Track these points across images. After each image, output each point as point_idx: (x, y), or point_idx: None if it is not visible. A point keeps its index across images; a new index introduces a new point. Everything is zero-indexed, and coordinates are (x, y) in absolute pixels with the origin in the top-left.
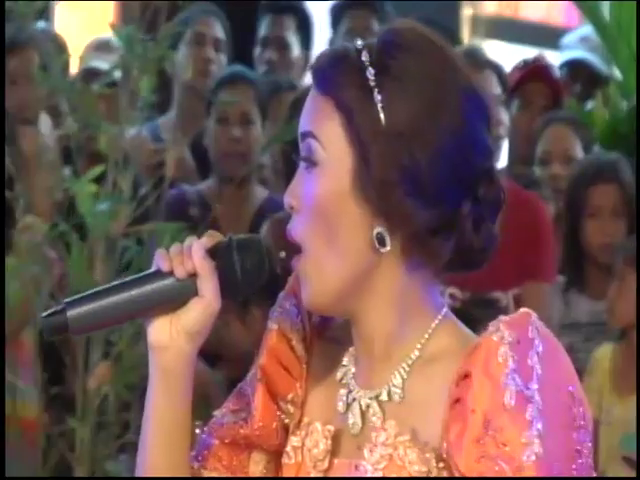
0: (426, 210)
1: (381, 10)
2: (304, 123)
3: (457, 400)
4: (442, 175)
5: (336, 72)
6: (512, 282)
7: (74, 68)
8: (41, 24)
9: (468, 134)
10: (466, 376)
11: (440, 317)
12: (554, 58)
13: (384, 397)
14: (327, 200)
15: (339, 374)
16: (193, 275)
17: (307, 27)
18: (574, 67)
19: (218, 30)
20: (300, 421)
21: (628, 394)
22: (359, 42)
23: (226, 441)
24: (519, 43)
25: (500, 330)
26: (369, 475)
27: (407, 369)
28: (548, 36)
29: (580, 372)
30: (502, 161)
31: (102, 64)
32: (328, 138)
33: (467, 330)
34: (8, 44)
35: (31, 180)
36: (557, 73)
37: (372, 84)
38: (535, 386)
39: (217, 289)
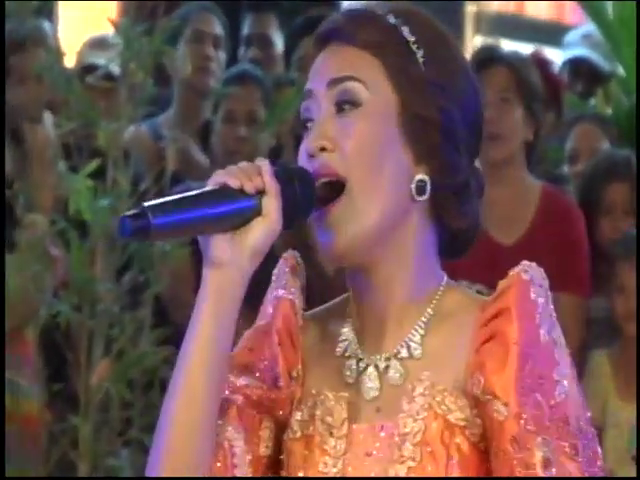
0: (458, 159)
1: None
2: (336, 70)
3: (491, 337)
4: (467, 127)
5: (372, 28)
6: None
7: (71, 65)
8: (36, 21)
9: (479, 99)
10: (499, 313)
11: (445, 279)
12: (557, 56)
13: (404, 354)
14: (376, 138)
15: (339, 349)
16: (260, 193)
17: (289, 23)
18: (576, 65)
19: (217, 27)
20: (301, 397)
21: (633, 396)
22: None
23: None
24: (522, 41)
25: (529, 271)
26: (396, 433)
27: (423, 326)
28: (551, 34)
29: None
30: None
31: (100, 60)
32: (372, 81)
33: (468, 290)
34: (15, 41)
35: (35, 177)
36: (555, 69)
37: (412, 39)
38: (557, 331)
39: (281, 210)
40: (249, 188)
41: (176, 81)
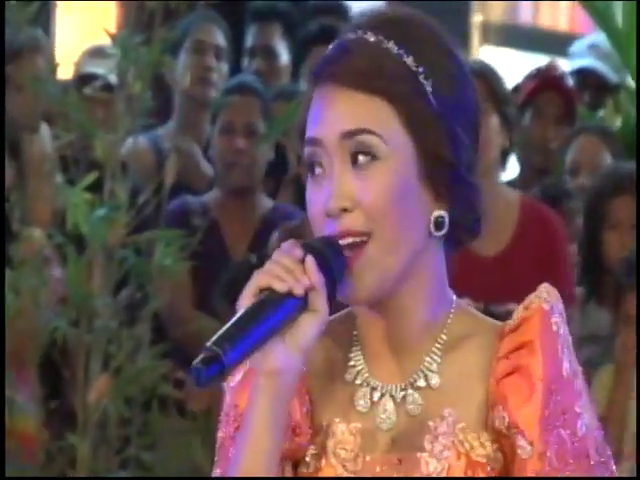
0: (473, 189)
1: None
2: (349, 120)
3: (513, 371)
4: (472, 144)
5: (379, 70)
6: (527, 295)
7: (69, 75)
8: (32, 30)
9: (478, 106)
10: (522, 346)
11: (454, 302)
12: (563, 66)
13: (421, 383)
14: (397, 190)
15: (348, 375)
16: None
17: (294, 32)
18: (583, 75)
19: (219, 38)
20: (311, 429)
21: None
22: (368, 33)
23: None
24: (529, 51)
25: (549, 299)
26: (418, 471)
27: (439, 353)
28: (562, 44)
29: None
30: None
31: (98, 70)
32: (388, 131)
33: (477, 312)
34: (11, 50)
35: (32, 190)
36: (570, 82)
37: (419, 70)
38: (574, 358)
39: (327, 300)
40: (299, 291)
41: (176, 92)
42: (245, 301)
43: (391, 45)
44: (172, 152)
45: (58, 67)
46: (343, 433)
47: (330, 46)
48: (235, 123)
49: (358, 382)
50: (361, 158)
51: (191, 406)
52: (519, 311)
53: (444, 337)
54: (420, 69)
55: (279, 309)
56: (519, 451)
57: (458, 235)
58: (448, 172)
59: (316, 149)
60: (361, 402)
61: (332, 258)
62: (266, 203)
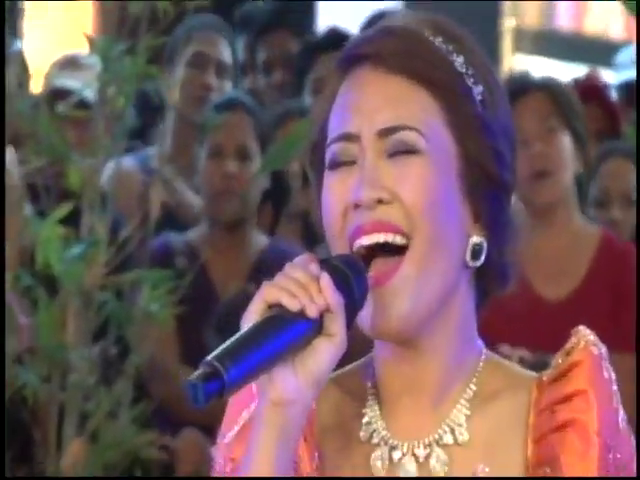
0: (511, 215)
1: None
2: (387, 114)
3: (563, 426)
4: (513, 164)
5: (424, 56)
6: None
7: (38, 90)
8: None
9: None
10: (571, 397)
11: (484, 352)
12: (609, 78)
13: (448, 440)
14: (439, 188)
15: (363, 433)
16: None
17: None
18: (630, 89)
19: (223, 51)
20: None
21: None
22: (419, 19)
23: None
24: (568, 60)
25: (596, 343)
26: None
27: (468, 405)
28: (602, 52)
29: None
30: None
31: (72, 84)
32: (430, 128)
33: (511, 363)
34: None
35: None
36: (613, 94)
37: (469, 72)
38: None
39: (345, 325)
40: (312, 312)
41: (169, 111)
42: (250, 317)
43: (439, 40)
44: (157, 180)
45: (30, 79)
46: None
47: (361, 34)
48: (225, 145)
49: (375, 441)
50: (398, 154)
51: (178, 470)
52: (560, 358)
53: (473, 387)
54: (470, 71)
55: (289, 329)
56: None
57: (487, 279)
58: (490, 189)
59: (348, 145)
60: (378, 464)
61: (354, 278)
62: (261, 240)
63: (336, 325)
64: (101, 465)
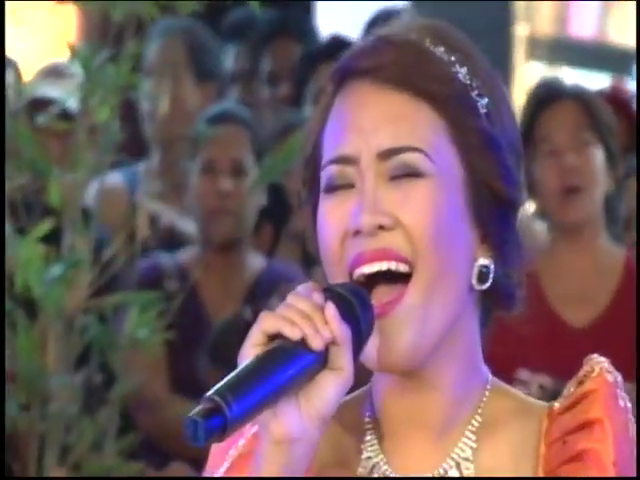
0: (519, 234)
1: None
2: (389, 134)
3: (578, 457)
4: (520, 180)
5: (427, 68)
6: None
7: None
8: None
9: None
10: (585, 426)
11: (490, 379)
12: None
13: (453, 473)
14: (445, 212)
15: (361, 470)
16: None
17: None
18: None
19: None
20: None
21: None
22: (410, 35)
23: None
24: (584, 68)
25: (611, 371)
26: None
27: (473, 437)
28: (622, 61)
29: None
30: None
31: (53, 92)
32: (435, 147)
33: (517, 391)
34: None
35: None
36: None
37: (473, 85)
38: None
39: (352, 359)
40: (317, 344)
41: (151, 123)
42: (248, 349)
43: (441, 50)
44: (144, 196)
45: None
46: None
47: (359, 43)
48: (218, 161)
49: (375, 476)
50: (400, 177)
51: None
52: (573, 387)
53: (479, 418)
54: (474, 84)
55: (293, 362)
56: None
57: (493, 300)
58: (497, 207)
59: (346, 168)
60: None
61: (360, 308)
62: (257, 261)
63: (343, 359)
64: None
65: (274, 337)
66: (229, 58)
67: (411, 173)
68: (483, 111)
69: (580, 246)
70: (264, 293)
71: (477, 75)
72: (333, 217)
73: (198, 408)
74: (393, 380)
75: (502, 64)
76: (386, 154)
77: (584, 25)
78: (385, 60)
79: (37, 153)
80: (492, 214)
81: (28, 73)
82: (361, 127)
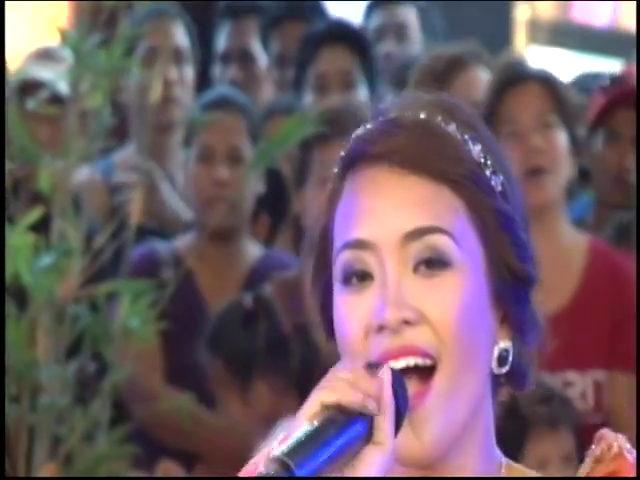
0: (534, 310)
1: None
2: (414, 215)
3: None
4: (535, 258)
5: (445, 150)
6: (591, 363)
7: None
8: None
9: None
10: None
11: (504, 461)
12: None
13: None
14: (472, 306)
15: None
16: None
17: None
18: None
19: (177, 36)
20: None
21: None
22: (419, 113)
23: None
24: (590, 53)
25: (631, 451)
26: None
27: None
28: (621, 44)
29: None
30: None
31: (44, 74)
32: (459, 231)
33: (530, 470)
34: None
35: None
36: None
37: (488, 163)
38: None
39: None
40: (372, 405)
41: (132, 111)
42: (306, 418)
43: (453, 128)
44: (138, 184)
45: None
46: None
47: (368, 125)
48: (215, 148)
49: None
50: (425, 266)
51: None
52: (589, 465)
53: None
54: (488, 161)
55: (343, 432)
56: None
57: (507, 381)
58: (516, 287)
59: (363, 254)
60: None
61: (400, 391)
62: (254, 250)
63: (386, 432)
64: None
65: (330, 407)
66: (222, 37)
67: (438, 260)
68: (498, 189)
69: (542, 231)
70: (261, 281)
71: (490, 151)
72: (354, 311)
73: (268, 469)
74: (406, 471)
75: (504, 47)
76: (412, 235)
77: (583, 9)
78: (398, 144)
79: (26, 139)
80: (511, 294)
81: (18, 58)
82: (380, 212)
